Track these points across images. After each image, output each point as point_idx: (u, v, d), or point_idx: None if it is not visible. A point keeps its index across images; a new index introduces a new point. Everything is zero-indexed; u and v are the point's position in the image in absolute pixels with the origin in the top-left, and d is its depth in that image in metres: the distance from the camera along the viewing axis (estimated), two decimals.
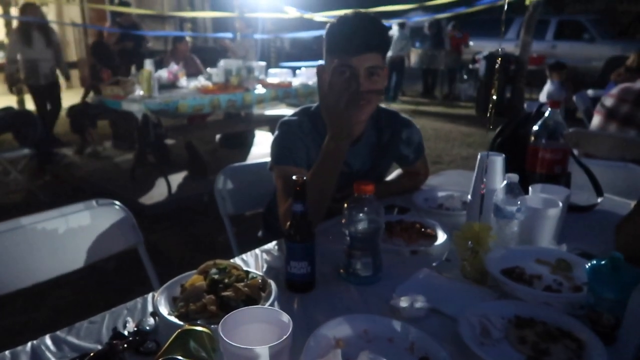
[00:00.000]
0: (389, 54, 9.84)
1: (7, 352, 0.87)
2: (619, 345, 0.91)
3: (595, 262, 0.95)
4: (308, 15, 8.27)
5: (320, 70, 1.45)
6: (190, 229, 3.53)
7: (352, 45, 1.36)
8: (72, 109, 5.55)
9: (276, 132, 1.53)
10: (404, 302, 0.99)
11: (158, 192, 4.18)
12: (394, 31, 9.55)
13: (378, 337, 0.91)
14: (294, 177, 1.06)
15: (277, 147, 1.49)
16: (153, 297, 1.04)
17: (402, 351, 0.87)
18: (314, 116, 1.54)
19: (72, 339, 0.91)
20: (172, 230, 3.50)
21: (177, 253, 3.00)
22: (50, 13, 9.19)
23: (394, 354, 0.85)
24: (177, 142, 5.18)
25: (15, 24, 5.61)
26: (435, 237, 1.35)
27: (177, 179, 4.51)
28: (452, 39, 10.20)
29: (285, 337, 0.69)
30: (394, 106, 9.39)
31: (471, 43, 10.89)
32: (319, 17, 8.51)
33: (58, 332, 0.92)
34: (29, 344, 0.89)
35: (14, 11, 6.93)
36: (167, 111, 4.00)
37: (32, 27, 5.27)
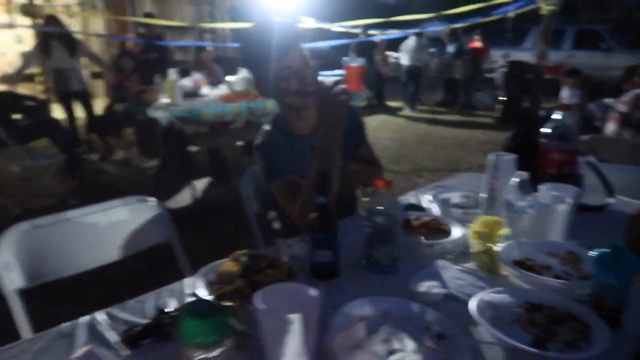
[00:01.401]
0: (406, 63, 9.85)
1: (64, 324, 0.98)
2: (624, 329, 0.98)
3: (599, 251, 1.02)
4: (325, 26, 8.42)
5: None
6: (214, 232, 3.63)
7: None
8: (93, 118, 5.74)
9: (255, 157, 1.66)
10: (421, 287, 1.08)
11: (182, 197, 4.31)
12: (411, 40, 9.63)
13: (397, 316, 0.99)
14: (318, 171, 1.16)
15: (263, 169, 1.63)
16: (191, 280, 1.14)
17: (420, 329, 0.95)
18: (275, 124, 1.67)
19: (122, 314, 1.01)
20: (198, 233, 3.60)
21: (203, 254, 3.08)
22: (76, 25, 9.49)
23: (412, 331, 0.93)
24: (200, 149, 5.32)
25: (36, 35, 5.80)
26: (450, 233, 1.43)
27: (200, 184, 4.64)
28: (473, 48, 10.20)
29: (315, 303, 0.78)
30: (412, 115, 9.46)
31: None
32: (336, 27, 8.66)
33: (110, 308, 1.02)
34: (84, 318, 1.00)
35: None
36: (190, 118, 4.14)
37: (53, 37, 5.46)
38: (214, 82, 5.46)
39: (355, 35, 9.08)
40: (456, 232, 1.42)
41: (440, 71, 10.85)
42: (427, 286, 1.08)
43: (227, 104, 4.43)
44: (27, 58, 5.73)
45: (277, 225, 1.84)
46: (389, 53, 10.36)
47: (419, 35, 9.63)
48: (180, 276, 1.46)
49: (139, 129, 5.84)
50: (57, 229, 1.38)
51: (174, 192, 4.36)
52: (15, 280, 1.23)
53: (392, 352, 0.85)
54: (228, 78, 5.30)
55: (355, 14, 9.31)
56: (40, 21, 6.35)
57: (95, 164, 5.62)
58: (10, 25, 8.89)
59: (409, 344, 0.87)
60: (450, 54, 10.33)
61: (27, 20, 7.39)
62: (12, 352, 0.92)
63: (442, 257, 1.28)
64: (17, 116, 4.83)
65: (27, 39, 9.29)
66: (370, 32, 9.14)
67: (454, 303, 1.07)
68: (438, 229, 1.45)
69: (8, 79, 5.54)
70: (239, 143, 5.30)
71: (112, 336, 0.94)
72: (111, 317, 1.01)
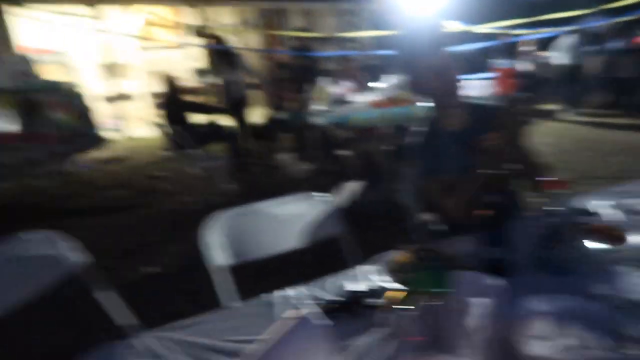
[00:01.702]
0: (562, 62, 9.13)
1: (264, 295, 1.17)
2: None
3: None
4: (470, 28, 8.18)
5: None
6: (366, 233, 3.78)
7: None
8: (252, 126, 6.34)
9: (407, 158, 1.79)
10: (603, 290, 1.06)
11: (336, 199, 4.56)
12: (567, 38, 8.90)
13: (582, 315, 0.98)
14: (488, 171, 1.22)
15: (416, 169, 1.76)
16: (369, 267, 1.27)
17: (607, 329, 0.94)
18: (424, 125, 1.77)
19: (316, 292, 1.18)
20: (353, 233, 3.79)
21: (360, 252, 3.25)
22: (237, 41, 10.51)
23: (598, 330, 0.93)
24: (351, 153, 5.56)
25: (206, 53, 6.62)
26: (626, 240, 1.36)
27: (351, 187, 4.85)
28: None
29: (503, 293, 0.84)
30: (569, 118, 8.72)
31: None
32: (479, 29, 8.36)
33: (299, 286, 1.20)
34: (279, 292, 1.18)
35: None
36: (342, 124, 4.39)
37: (219, 54, 6.14)
38: (360, 89, 5.69)
39: (501, 37, 8.68)
40: (636, 239, 1.35)
41: (602, 70, 9.83)
42: (608, 289, 1.06)
43: (376, 109, 4.59)
44: (203, 73, 6.58)
45: (435, 225, 1.91)
46: (541, 53, 9.70)
47: (576, 32, 8.86)
48: (344, 267, 1.62)
49: (294, 135, 6.29)
50: (251, 217, 1.62)
51: (329, 193, 4.63)
52: (223, 258, 1.48)
53: (577, 347, 0.87)
54: (372, 85, 5.49)
55: (502, 15, 8.90)
56: (208, 40, 7.21)
57: (255, 167, 6.19)
58: (182, 44, 10.18)
59: (595, 342, 0.88)
60: (614, 51, 9.31)
61: (197, 40, 8.41)
62: (228, 313, 1.13)
63: (623, 264, 1.23)
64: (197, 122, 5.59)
65: (195, 56, 10.58)
66: (517, 32, 8.65)
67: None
68: (614, 235, 1.39)
69: (194, 91, 6.44)
70: (387, 147, 5.44)
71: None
72: (300, 292, 1.18)
